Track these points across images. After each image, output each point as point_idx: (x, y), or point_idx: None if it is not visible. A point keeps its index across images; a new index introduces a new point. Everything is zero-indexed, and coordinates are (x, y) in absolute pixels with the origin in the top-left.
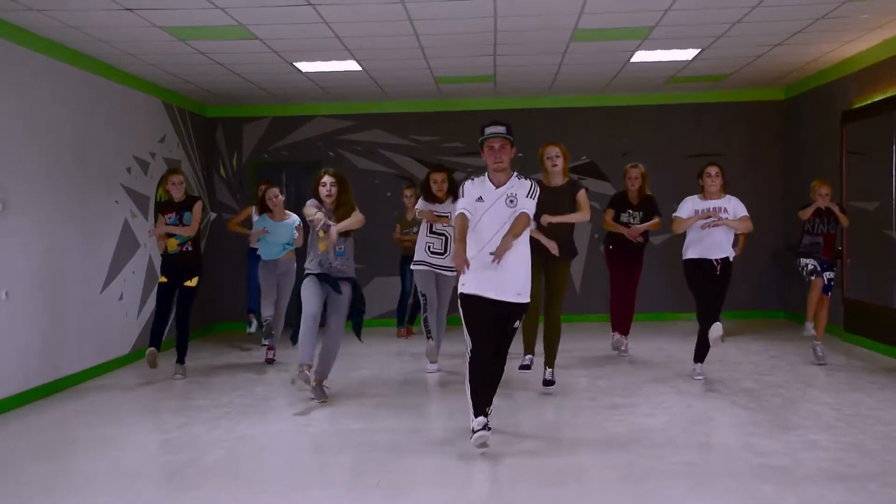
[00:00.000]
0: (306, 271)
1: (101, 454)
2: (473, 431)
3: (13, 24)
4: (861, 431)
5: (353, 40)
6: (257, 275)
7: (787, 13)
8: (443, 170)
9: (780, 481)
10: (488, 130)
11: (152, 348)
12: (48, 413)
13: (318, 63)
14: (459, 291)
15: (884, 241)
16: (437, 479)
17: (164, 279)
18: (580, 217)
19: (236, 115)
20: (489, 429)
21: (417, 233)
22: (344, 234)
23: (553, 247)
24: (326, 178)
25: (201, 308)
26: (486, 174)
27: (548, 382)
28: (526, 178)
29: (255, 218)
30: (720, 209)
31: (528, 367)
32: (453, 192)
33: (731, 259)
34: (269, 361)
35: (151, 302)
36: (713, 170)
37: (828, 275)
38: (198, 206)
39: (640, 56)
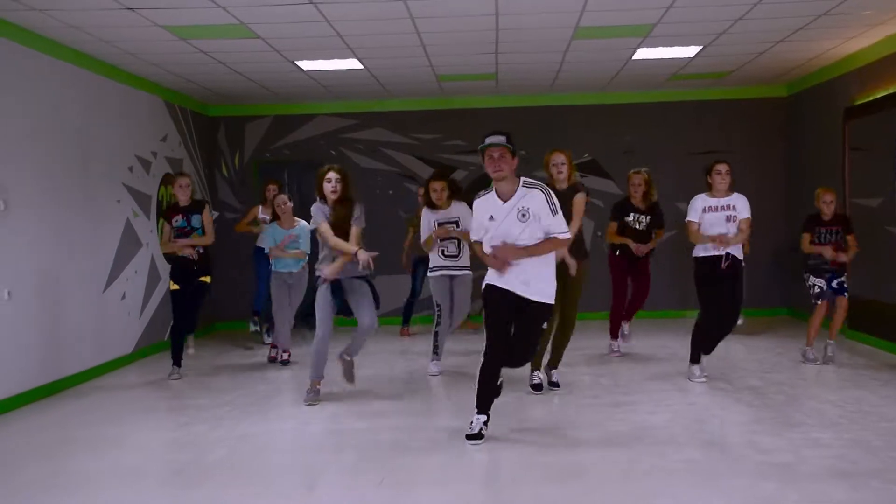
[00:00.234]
0: (317, 272)
1: (102, 453)
2: (469, 427)
3: (15, 23)
4: (864, 428)
5: (354, 39)
6: (265, 276)
7: (789, 10)
8: (440, 177)
9: (783, 478)
10: (488, 139)
11: (177, 367)
12: (50, 412)
13: (320, 61)
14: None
15: (886, 238)
16: (440, 478)
17: (176, 286)
18: (571, 226)
19: (238, 114)
20: (484, 431)
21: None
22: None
23: (573, 266)
24: (331, 175)
25: (203, 307)
26: (493, 187)
27: (553, 384)
28: (533, 186)
29: (261, 215)
30: (729, 207)
31: (539, 386)
32: (454, 194)
33: (740, 258)
34: (272, 360)
35: (153, 301)
36: (723, 167)
37: (838, 280)
38: (206, 211)
39: (642, 53)
